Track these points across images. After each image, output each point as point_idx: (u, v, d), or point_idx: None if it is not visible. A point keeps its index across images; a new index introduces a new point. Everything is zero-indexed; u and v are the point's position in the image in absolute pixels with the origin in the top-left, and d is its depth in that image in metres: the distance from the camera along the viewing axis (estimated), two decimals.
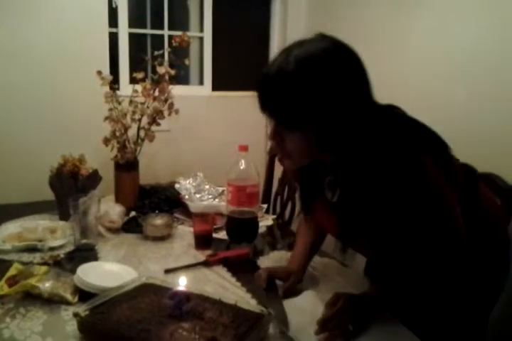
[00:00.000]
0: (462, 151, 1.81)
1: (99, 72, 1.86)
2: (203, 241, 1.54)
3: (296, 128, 0.98)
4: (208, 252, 1.48)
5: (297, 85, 0.93)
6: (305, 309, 1.12)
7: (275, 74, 0.96)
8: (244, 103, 2.96)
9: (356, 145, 1.00)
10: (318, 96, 0.93)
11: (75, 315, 1.01)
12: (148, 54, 2.87)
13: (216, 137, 2.87)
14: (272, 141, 1.05)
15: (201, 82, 3.01)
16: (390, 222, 1.03)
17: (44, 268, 1.23)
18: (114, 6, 2.70)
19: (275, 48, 3.14)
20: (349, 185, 1.05)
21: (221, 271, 1.36)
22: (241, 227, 1.54)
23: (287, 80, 0.94)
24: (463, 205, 1.06)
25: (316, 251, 1.38)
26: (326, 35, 1.01)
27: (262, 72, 0.98)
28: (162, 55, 1.93)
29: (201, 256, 1.47)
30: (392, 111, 1.07)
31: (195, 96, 2.86)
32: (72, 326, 1.03)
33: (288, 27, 3.08)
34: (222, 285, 1.27)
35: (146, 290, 1.13)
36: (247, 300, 1.16)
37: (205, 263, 1.39)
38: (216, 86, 3.01)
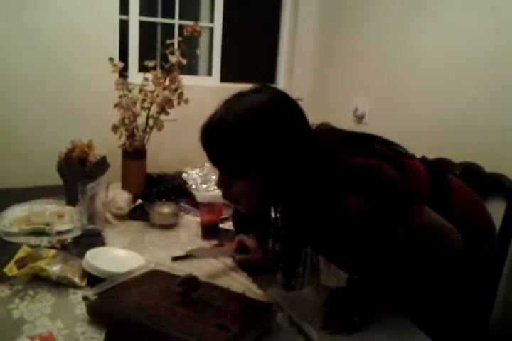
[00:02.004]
0: (469, 150, 1.83)
1: (111, 59, 1.86)
2: (209, 231, 1.55)
3: (238, 176, 1.00)
4: (214, 242, 1.49)
5: (235, 137, 0.95)
6: (311, 301, 1.13)
7: (214, 126, 0.98)
8: None
9: (294, 192, 1.01)
10: (256, 147, 0.95)
11: (85, 298, 1.02)
12: (158, 43, 2.86)
13: None
14: (219, 188, 1.07)
15: (210, 73, 3.00)
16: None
17: (53, 252, 1.24)
18: None
19: (285, 41, 3.14)
20: (291, 227, 1.11)
21: (227, 260, 1.37)
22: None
23: (226, 132, 0.96)
24: (436, 201, 1.09)
25: None
26: (265, 87, 1.03)
27: (204, 124, 1.01)
28: (172, 44, 1.93)
29: (207, 245, 1.48)
30: (325, 146, 1.05)
31: (203, 86, 2.85)
32: (80, 309, 1.04)
33: (298, 19, 3.07)
34: (228, 275, 1.28)
35: (154, 277, 1.14)
36: (254, 290, 1.17)
37: None
38: (224, 77, 3.00)
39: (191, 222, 1.67)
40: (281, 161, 0.97)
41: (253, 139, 0.95)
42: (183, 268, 1.20)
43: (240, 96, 1.01)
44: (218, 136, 0.98)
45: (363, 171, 1.00)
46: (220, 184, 1.05)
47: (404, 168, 1.05)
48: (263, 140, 0.95)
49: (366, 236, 1.01)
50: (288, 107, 1.01)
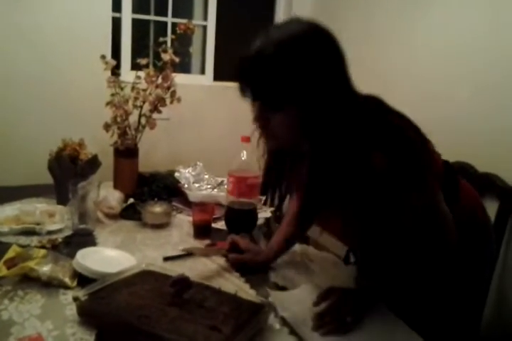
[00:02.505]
0: (461, 149, 1.83)
1: (103, 57, 1.84)
2: (201, 230, 1.54)
3: (277, 109, 0.99)
4: (207, 242, 1.48)
5: (278, 66, 0.94)
6: (304, 302, 1.12)
7: (255, 57, 0.97)
8: None
9: (331, 131, 1.00)
10: (298, 76, 0.95)
11: (75, 299, 1.00)
12: (151, 41, 2.85)
13: (216, 127, 2.86)
14: (256, 123, 1.05)
15: (203, 72, 2.99)
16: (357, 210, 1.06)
17: (43, 252, 1.23)
18: None
19: None
20: (319, 168, 1.05)
21: (220, 260, 1.36)
22: (240, 218, 1.54)
23: (268, 62, 0.95)
24: (445, 194, 1.09)
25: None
26: (304, 19, 1.02)
27: (241, 57, 1.00)
28: (165, 42, 1.92)
29: (199, 245, 1.47)
30: (370, 102, 1.06)
31: (196, 85, 2.85)
32: (70, 310, 1.03)
33: None
34: (221, 275, 1.27)
35: (146, 277, 1.13)
36: (246, 291, 1.16)
37: None
38: (217, 76, 2.99)
39: (183, 221, 1.66)
40: (321, 93, 0.96)
41: (295, 68, 0.94)
42: (174, 269, 1.19)
43: (278, 26, 1.00)
44: (260, 66, 0.96)
45: (396, 130, 1.00)
46: (258, 118, 1.03)
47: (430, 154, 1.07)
48: (305, 68, 0.95)
49: (383, 196, 1.00)
50: (328, 38, 1.00)
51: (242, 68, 1.00)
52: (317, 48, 0.97)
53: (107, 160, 1.86)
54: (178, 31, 1.91)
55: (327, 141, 1.00)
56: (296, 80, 0.95)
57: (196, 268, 1.30)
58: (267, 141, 1.11)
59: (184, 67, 2.93)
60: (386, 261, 1.13)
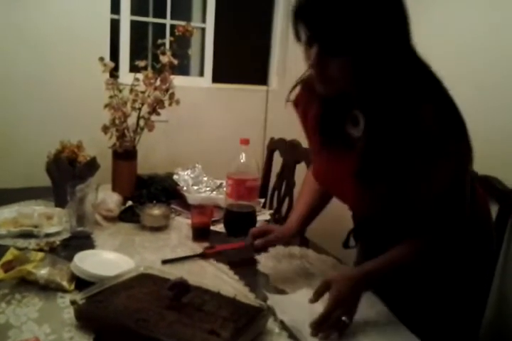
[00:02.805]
0: None
1: (102, 59, 1.84)
2: (200, 233, 1.53)
3: (337, 54, 0.95)
4: (205, 244, 1.47)
5: (343, 6, 0.91)
6: (303, 305, 1.12)
7: None
8: (245, 96, 2.98)
9: (388, 81, 0.99)
10: (363, 20, 0.92)
11: (72, 302, 1.00)
12: (150, 42, 2.84)
13: (215, 129, 2.85)
14: (313, 68, 1.00)
15: (201, 74, 2.99)
16: (405, 166, 1.02)
17: (40, 255, 1.22)
18: None
19: (277, 41, 3.13)
20: (376, 119, 1.03)
21: (218, 263, 1.35)
22: (239, 221, 1.53)
23: (336, 3, 0.92)
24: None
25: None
26: None
27: None
28: (164, 44, 1.91)
29: (198, 247, 1.46)
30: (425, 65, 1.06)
31: (195, 87, 2.84)
32: (68, 314, 1.02)
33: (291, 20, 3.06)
34: (220, 278, 1.26)
35: (144, 280, 1.13)
36: (245, 294, 1.16)
37: (203, 255, 1.39)
38: (216, 78, 2.98)
39: (182, 224, 1.65)
40: (382, 42, 0.95)
41: (361, 10, 0.91)
42: (173, 272, 1.18)
43: None
44: (324, 4, 0.93)
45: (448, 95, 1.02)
46: (316, 62, 0.98)
47: None
48: (371, 13, 0.92)
49: (424, 151, 0.99)
50: None
51: (304, 6, 0.96)
52: None
53: (106, 163, 1.85)
54: (177, 33, 1.91)
55: (378, 92, 1.00)
56: (360, 23, 0.92)
57: (195, 271, 1.30)
58: (318, 86, 1.05)
59: (183, 69, 2.92)
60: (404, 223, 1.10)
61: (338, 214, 1.48)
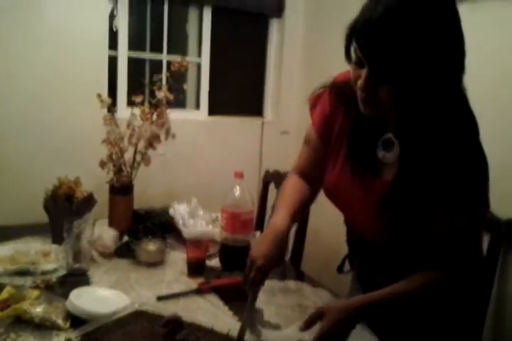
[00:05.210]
0: None
1: (99, 95, 1.89)
2: (195, 268, 1.54)
3: (389, 81, 0.93)
4: (201, 280, 1.48)
5: (405, 36, 0.87)
6: (293, 339, 1.12)
7: (382, 17, 0.88)
8: (241, 128, 3.03)
9: (433, 115, 0.99)
10: (422, 53, 0.89)
11: None
12: (147, 77, 2.90)
13: (211, 162, 2.88)
14: (360, 90, 0.98)
15: (197, 106, 3.04)
16: (435, 199, 1.02)
17: (36, 293, 1.23)
18: (114, 29, 2.75)
19: (271, 74, 3.19)
20: (413, 148, 1.03)
21: (213, 299, 1.36)
22: (234, 255, 1.54)
23: (395, 25, 0.88)
24: None
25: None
26: None
27: (363, 15, 0.92)
28: (160, 80, 1.96)
29: (193, 283, 1.47)
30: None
31: (191, 120, 2.88)
32: None
33: (284, 53, 3.14)
34: (214, 314, 1.27)
35: (138, 318, 1.14)
36: (238, 330, 1.16)
37: (198, 291, 1.39)
38: (212, 110, 3.03)
39: (178, 259, 1.66)
40: (436, 76, 0.93)
41: (420, 37, 0.87)
42: (168, 308, 1.19)
43: None
44: (386, 27, 0.88)
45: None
46: (364, 85, 0.96)
47: None
48: (430, 45, 0.88)
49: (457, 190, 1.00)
50: (455, 8, 0.94)
51: (360, 28, 0.92)
52: (448, 22, 0.92)
53: (103, 197, 1.87)
54: (173, 69, 1.96)
55: (420, 122, 1.00)
56: (418, 54, 0.89)
57: (190, 307, 1.30)
58: (362, 106, 1.02)
59: (179, 103, 2.97)
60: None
61: (333, 240, 1.47)
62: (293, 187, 1.31)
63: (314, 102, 1.26)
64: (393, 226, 1.08)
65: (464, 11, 0.98)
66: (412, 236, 1.08)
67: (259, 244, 1.19)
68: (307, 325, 1.04)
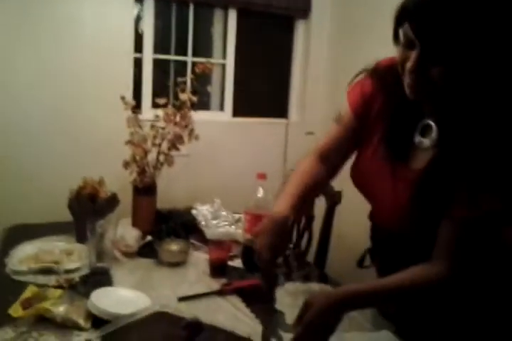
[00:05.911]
0: None
1: (123, 98, 1.89)
2: (217, 269, 1.53)
3: (440, 62, 0.89)
4: (223, 281, 1.47)
5: (459, 10, 0.84)
6: None
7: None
8: (265, 129, 3.02)
9: (481, 100, 0.95)
10: (478, 32, 0.85)
11: None
12: (171, 79, 2.92)
13: (235, 163, 2.88)
14: (409, 72, 0.95)
15: (222, 108, 3.04)
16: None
17: (58, 292, 1.24)
18: (140, 32, 2.78)
19: (297, 76, 3.18)
20: (453, 134, 0.99)
21: (235, 300, 1.35)
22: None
23: (449, 3, 0.85)
24: None
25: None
26: None
27: None
28: (185, 81, 1.97)
29: (215, 284, 1.46)
30: None
31: (216, 121, 2.89)
32: None
33: (310, 53, 3.12)
34: (235, 316, 1.25)
35: (159, 319, 1.13)
36: (260, 333, 1.14)
37: (220, 292, 1.38)
38: (236, 112, 3.03)
39: (200, 259, 1.65)
40: (490, 58, 0.89)
41: (478, 21, 0.84)
42: (189, 309, 1.18)
43: None
44: (438, 9, 0.85)
45: None
46: (414, 67, 0.93)
47: None
48: (487, 24, 0.85)
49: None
50: None
51: (412, 8, 0.89)
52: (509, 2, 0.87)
53: (127, 197, 1.88)
54: (197, 70, 1.96)
55: (466, 108, 0.96)
56: (473, 34, 0.85)
57: (211, 309, 1.29)
58: (409, 90, 0.99)
59: (204, 104, 2.98)
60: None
61: (358, 243, 1.44)
62: (302, 169, 1.28)
63: (353, 86, 1.23)
64: (421, 215, 1.04)
65: None
66: (437, 227, 1.03)
67: (260, 236, 1.16)
68: (298, 320, 0.98)
